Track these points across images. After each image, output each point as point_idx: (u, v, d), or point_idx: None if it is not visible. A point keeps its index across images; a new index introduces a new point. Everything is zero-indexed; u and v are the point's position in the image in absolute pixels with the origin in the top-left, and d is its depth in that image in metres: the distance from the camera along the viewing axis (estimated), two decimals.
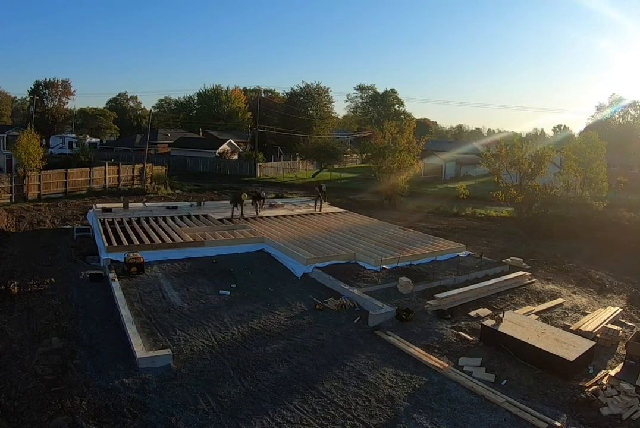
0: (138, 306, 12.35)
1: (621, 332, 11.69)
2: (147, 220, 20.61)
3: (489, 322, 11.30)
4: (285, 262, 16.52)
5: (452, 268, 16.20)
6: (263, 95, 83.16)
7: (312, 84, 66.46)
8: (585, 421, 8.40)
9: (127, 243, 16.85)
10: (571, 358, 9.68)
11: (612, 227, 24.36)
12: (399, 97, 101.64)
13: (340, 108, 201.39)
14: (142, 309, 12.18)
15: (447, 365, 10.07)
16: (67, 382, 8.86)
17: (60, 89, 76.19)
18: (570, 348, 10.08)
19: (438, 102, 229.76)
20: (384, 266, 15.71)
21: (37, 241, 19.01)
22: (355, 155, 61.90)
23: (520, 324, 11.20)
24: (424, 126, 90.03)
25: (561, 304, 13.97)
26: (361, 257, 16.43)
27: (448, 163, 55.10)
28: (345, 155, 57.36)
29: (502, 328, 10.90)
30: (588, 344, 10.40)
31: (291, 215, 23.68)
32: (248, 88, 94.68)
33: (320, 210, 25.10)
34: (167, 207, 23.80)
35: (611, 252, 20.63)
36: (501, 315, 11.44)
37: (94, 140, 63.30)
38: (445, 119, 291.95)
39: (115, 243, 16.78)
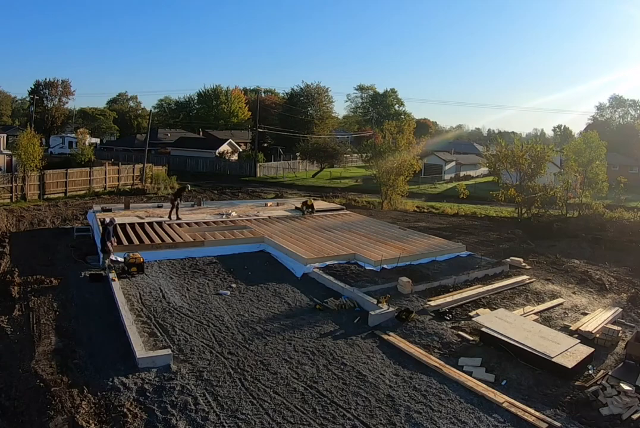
0: (138, 306, 12.35)
1: (621, 332, 11.70)
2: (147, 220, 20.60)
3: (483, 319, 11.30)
4: (285, 262, 16.52)
5: (452, 268, 16.20)
6: (263, 95, 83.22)
7: (312, 84, 66.46)
8: (585, 421, 8.39)
9: (127, 243, 16.86)
10: (570, 365, 9.72)
11: (612, 227, 24.36)
12: (399, 97, 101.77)
13: (340, 108, 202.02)
14: (142, 309, 12.17)
15: (447, 365, 10.07)
16: (67, 382, 8.87)
17: (60, 89, 76.24)
18: (569, 355, 10.09)
19: (438, 102, 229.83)
20: (384, 266, 15.71)
21: (37, 241, 19.00)
22: (356, 155, 61.91)
23: (519, 326, 11.19)
24: (424, 126, 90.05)
25: (561, 304, 13.98)
26: (361, 257, 16.43)
27: (448, 163, 55.15)
28: (345, 155, 57.37)
29: (502, 331, 10.88)
30: (587, 350, 10.43)
31: (290, 215, 23.66)
32: (248, 88, 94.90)
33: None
34: (158, 206, 24.34)
35: (611, 252, 20.63)
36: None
37: (94, 140, 63.24)
38: (445, 119, 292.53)
39: (115, 243, 16.76)
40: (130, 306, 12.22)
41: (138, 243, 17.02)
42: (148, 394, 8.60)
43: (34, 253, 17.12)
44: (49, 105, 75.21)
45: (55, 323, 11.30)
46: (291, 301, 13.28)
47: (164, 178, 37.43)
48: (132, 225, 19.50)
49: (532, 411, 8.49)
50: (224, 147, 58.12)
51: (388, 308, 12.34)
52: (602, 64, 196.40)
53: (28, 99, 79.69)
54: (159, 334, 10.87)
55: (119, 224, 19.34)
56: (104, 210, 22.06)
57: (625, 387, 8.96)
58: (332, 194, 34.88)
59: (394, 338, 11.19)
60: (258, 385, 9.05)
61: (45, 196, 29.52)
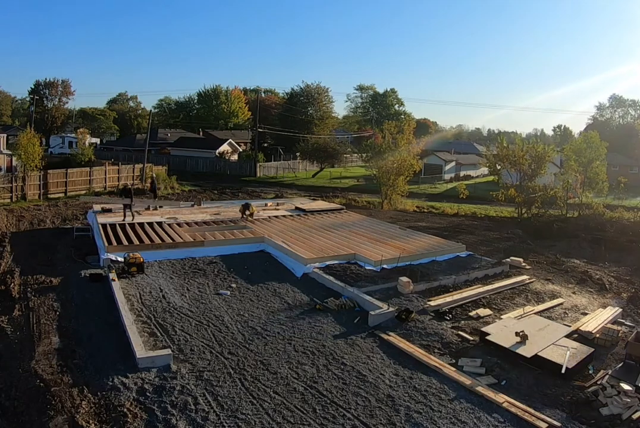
0: (138, 306, 12.35)
1: (621, 332, 11.70)
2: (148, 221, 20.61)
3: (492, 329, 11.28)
4: (285, 262, 16.51)
5: (452, 268, 16.20)
6: (263, 95, 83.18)
7: (312, 83, 66.34)
8: (585, 421, 8.39)
9: (127, 243, 16.86)
10: (570, 366, 9.73)
11: (612, 227, 24.35)
12: (399, 97, 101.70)
13: (340, 108, 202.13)
14: (142, 309, 12.18)
15: (447, 365, 10.07)
16: (67, 382, 8.87)
17: (60, 89, 76.22)
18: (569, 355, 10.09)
19: (438, 102, 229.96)
20: (384, 266, 15.71)
21: (37, 241, 19.00)
22: (356, 155, 61.89)
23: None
24: (424, 126, 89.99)
25: (561, 304, 13.98)
26: (361, 257, 16.43)
27: (448, 163, 55.14)
28: (345, 155, 57.35)
29: (501, 339, 10.84)
30: (587, 350, 10.44)
31: (291, 216, 23.69)
32: (248, 88, 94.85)
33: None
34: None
35: (611, 252, 20.62)
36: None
37: (94, 140, 63.27)
38: (445, 119, 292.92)
39: (115, 243, 16.79)
40: (130, 306, 12.22)
41: (138, 243, 17.02)
42: (148, 394, 8.60)
43: (34, 253, 17.12)
44: (49, 105, 75.20)
45: (55, 323, 11.30)
46: (291, 301, 13.27)
47: (164, 178, 37.36)
48: (132, 225, 19.50)
49: (532, 411, 8.49)
50: (224, 147, 58.08)
51: (388, 308, 12.34)
52: (602, 63, 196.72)
53: (28, 99, 79.80)
54: (159, 334, 10.87)
55: (119, 224, 19.38)
56: (104, 210, 22.06)
57: (625, 387, 8.96)
58: (332, 194, 34.85)
59: (394, 338, 11.19)
60: (258, 385, 9.06)
61: (45, 196, 29.48)
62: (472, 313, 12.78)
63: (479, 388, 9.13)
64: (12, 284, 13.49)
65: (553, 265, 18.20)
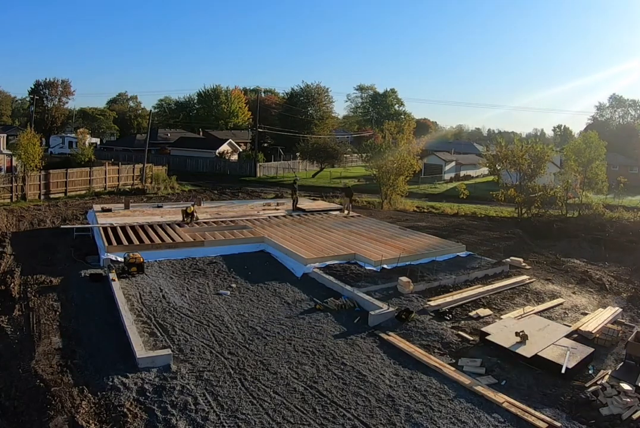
0: (138, 306, 12.36)
1: (621, 332, 11.70)
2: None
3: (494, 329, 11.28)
4: (285, 262, 16.51)
5: (452, 268, 16.21)
6: (263, 95, 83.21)
7: (312, 83, 66.38)
8: (585, 421, 8.38)
9: (127, 243, 16.86)
10: (570, 366, 9.72)
11: (612, 227, 24.35)
12: (399, 97, 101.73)
13: (340, 108, 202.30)
14: (142, 309, 12.18)
15: (447, 365, 10.07)
16: (67, 382, 8.87)
17: (60, 89, 76.28)
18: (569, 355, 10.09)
19: (438, 102, 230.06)
20: (384, 266, 15.72)
21: (37, 241, 18.99)
22: (356, 155, 61.88)
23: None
24: (424, 126, 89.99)
25: (561, 304, 13.98)
26: (361, 257, 16.43)
27: (448, 163, 55.14)
28: (345, 155, 57.35)
29: (501, 340, 10.84)
30: (587, 350, 10.44)
31: (291, 216, 23.69)
32: (248, 88, 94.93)
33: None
34: (158, 206, 24.72)
35: (611, 252, 20.62)
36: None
37: (94, 140, 63.22)
38: (445, 119, 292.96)
39: (115, 243, 16.79)
40: (130, 306, 12.22)
41: (138, 243, 17.02)
42: (148, 394, 8.60)
43: (34, 253, 17.11)
44: (49, 105, 75.22)
45: (56, 323, 11.30)
46: (291, 301, 13.28)
47: (164, 178, 37.40)
48: (132, 225, 19.49)
49: (532, 411, 8.49)
50: (224, 147, 58.07)
51: (388, 308, 12.35)
52: (603, 63, 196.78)
53: (28, 99, 79.85)
54: (159, 334, 10.88)
55: (119, 225, 19.37)
56: (104, 210, 22.09)
57: (625, 387, 8.96)
58: (332, 194, 34.83)
59: (394, 338, 11.19)
60: (258, 385, 9.05)
61: (45, 196, 29.47)
62: (472, 313, 12.78)
63: (479, 388, 9.13)
64: (12, 284, 13.49)
65: (553, 265, 18.20)
